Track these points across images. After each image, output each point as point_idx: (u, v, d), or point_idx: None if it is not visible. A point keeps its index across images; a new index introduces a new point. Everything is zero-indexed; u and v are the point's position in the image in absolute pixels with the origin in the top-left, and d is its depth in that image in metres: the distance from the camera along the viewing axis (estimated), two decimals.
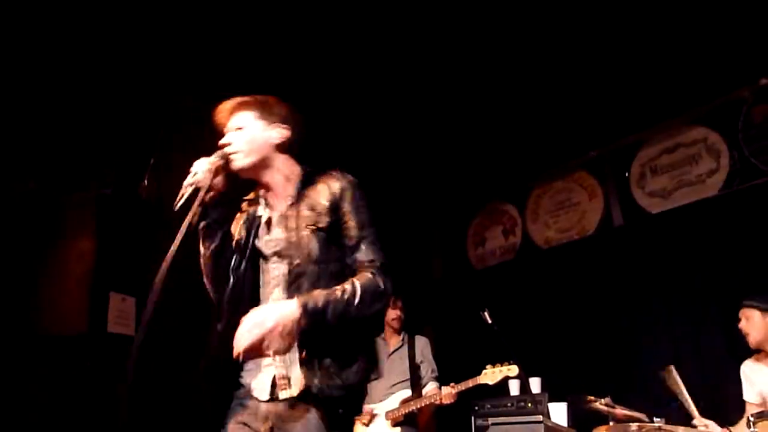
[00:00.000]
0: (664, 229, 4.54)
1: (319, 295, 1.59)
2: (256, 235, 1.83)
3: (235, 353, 1.52)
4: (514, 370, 3.59)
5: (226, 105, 1.87)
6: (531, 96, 4.63)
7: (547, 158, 5.27)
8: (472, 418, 3.85)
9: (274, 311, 1.54)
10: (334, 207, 1.77)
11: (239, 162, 1.79)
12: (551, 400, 3.76)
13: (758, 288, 3.77)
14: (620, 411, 3.05)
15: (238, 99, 1.87)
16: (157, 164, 4.29)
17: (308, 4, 3.66)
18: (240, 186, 1.92)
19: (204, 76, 4.00)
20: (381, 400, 3.96)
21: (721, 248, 4.18)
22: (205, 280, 1.85)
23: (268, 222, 1.84)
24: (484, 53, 4.21)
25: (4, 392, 3.54)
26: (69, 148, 4.00)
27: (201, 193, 1.70)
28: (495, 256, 5.69)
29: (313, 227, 1.74)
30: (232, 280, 1.78)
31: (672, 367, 3.18)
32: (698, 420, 3.09)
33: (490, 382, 3.59)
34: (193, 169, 1.74)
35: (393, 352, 4.15)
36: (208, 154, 1.80)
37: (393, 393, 3.97)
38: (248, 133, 1.82)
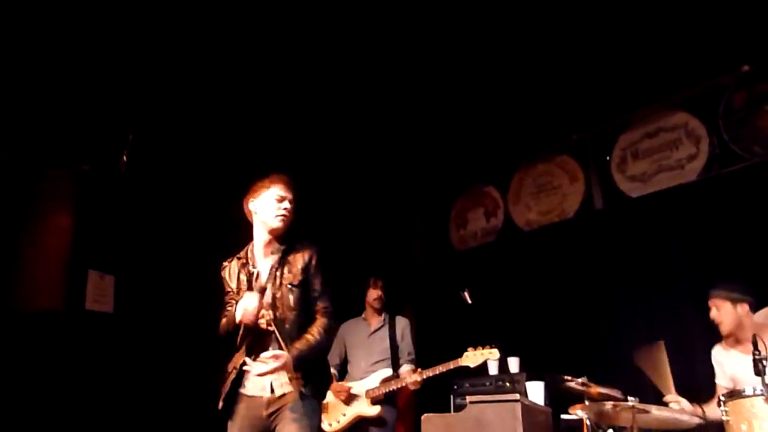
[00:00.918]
0: (643, 213, 4.60)
1: (303, 347, 2.49)
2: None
3: (254, 372, 2.46)
4: (495, 353, 3.63)
5: (288, 179, 2.69)
6: (515, 79, 4.64)
7: (529, 141, 5.29)
8: (451, 396, 3.90)
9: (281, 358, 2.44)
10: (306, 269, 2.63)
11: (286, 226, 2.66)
12: (529, 380, 3.82)
13: (735, 273, 3.85)
14: (595, 390, 3.10)
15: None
16: (137, 141, 4.23)
17: None
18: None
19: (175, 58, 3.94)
20: (361, 378, 4.00)
21: (699, 233, 4.24)
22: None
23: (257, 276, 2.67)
24: (469, 35, 4.20)
25: None
26: (47, 124, 3.93)
27: None
28: (476, 237, 5.72)
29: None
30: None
31: (662, 343, 3.24)
32: (672, 396, 3.17)
33: (471, 365, 3.62)
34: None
35: (374, 331, 4.18)
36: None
37: (373, 371, 4.00)
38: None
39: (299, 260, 2.62)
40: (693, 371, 3.74)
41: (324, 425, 3.97)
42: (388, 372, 3.98)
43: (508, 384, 3.73)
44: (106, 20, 3.67)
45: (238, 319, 2.47)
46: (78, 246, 3.85)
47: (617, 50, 4.32)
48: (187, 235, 4.80)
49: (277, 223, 2.63)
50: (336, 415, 3.98)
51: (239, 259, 2.74)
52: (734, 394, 2.57)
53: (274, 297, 2.56)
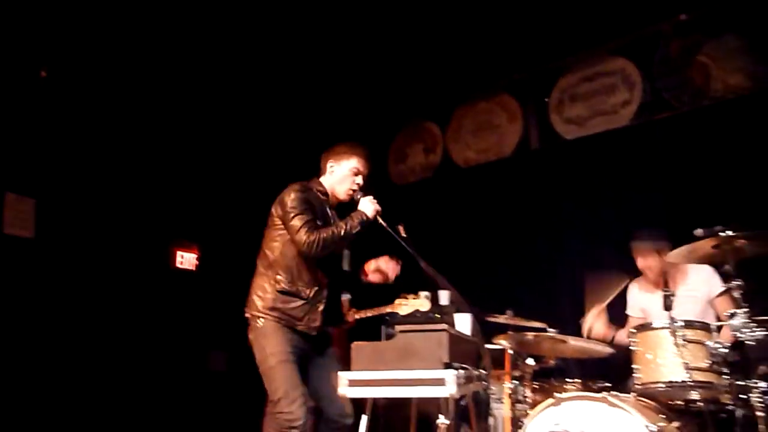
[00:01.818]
0: (577, 155, 4.73)
1: None
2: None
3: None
4: (425, 304, 3.77)
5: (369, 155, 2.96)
6: (461, 14, 4.55)
7: (472, 78, 5.26)
8: (383, 327, 4.01)
9: None
10: None
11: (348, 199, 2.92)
12: (458, 312, 3.97)
13: (656, 216, 4.05)
14: (519, 322, 3.27)
15: None
16: (58, 49, 3.93)
17: None
18: None
19: None
20: None
21: (629, 176, 4.40)
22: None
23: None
24: None
25: None
26: None
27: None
28: (415, 173, 5.75)
29: None
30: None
31: (584, 278, 3.42)
32: (590, 315, 3.39)
33: (401, 313, 3.72)
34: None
35: None
36: None
37: None
38: None
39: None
40: (615, 307, 3.94)
41: None
42: None
43: (437, 315, 3.86)
44: None
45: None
46: None
47: None
48: (116, 156, 4.59)
49: (343, 196, 2.86)
50: None
51: (319, 192, 2.84)
52: (645, 327, 2.76)
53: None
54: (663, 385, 2.58)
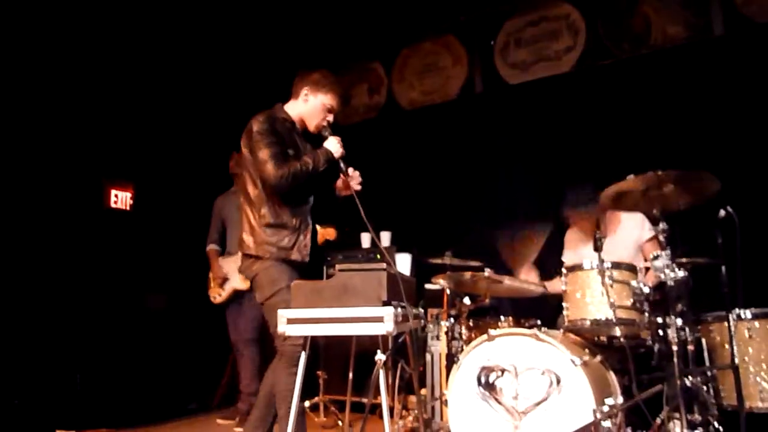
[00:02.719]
0: (520, 99, 4.77)
1: None
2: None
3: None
4: (331, 233, 4.04)
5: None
6: None
7: (418, 18, 5.17)
8: (324, 267, 4.04)
9: None
10: None
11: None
12: (399, 252, 4.04)
13: (591, 164, 4.16)
14: (457, 262, 3.34)
15: None
16: None
17: None
18: None
19: None
20: (237, 252, 4.01)
21: (570, 122, 4.48)
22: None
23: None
24: None
25: None
26: None
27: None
28: (359, 113, 5.68)
29: None
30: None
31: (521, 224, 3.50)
32: (521, 275, 3.51)
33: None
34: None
35: None
36: None
37: None
38: None
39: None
40: (546, 251, 4.08)
41: (211, 298, 4.23)
42: None
43: (378, 256, 3.92)
44: None
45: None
46: None
47: None
48: (45, 86, 4.31)
49: (312, 128, 2.79)
50: (218, 289, 4.20)
51: (285, 121, 2.75)
52: (575, 268, 2.87)
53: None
54: (589, 322, 2.72)
